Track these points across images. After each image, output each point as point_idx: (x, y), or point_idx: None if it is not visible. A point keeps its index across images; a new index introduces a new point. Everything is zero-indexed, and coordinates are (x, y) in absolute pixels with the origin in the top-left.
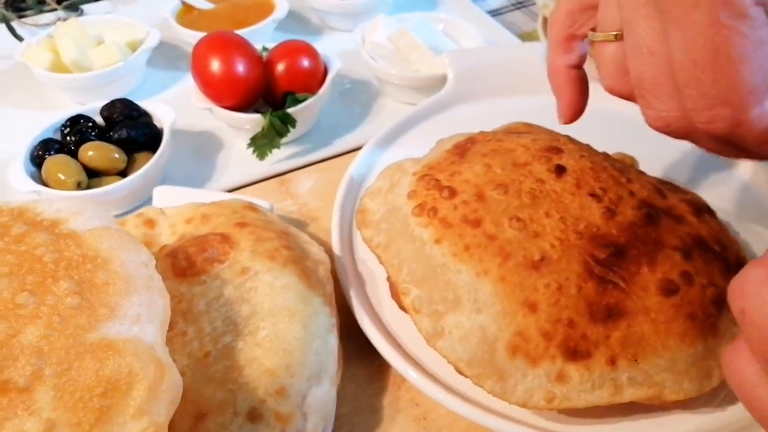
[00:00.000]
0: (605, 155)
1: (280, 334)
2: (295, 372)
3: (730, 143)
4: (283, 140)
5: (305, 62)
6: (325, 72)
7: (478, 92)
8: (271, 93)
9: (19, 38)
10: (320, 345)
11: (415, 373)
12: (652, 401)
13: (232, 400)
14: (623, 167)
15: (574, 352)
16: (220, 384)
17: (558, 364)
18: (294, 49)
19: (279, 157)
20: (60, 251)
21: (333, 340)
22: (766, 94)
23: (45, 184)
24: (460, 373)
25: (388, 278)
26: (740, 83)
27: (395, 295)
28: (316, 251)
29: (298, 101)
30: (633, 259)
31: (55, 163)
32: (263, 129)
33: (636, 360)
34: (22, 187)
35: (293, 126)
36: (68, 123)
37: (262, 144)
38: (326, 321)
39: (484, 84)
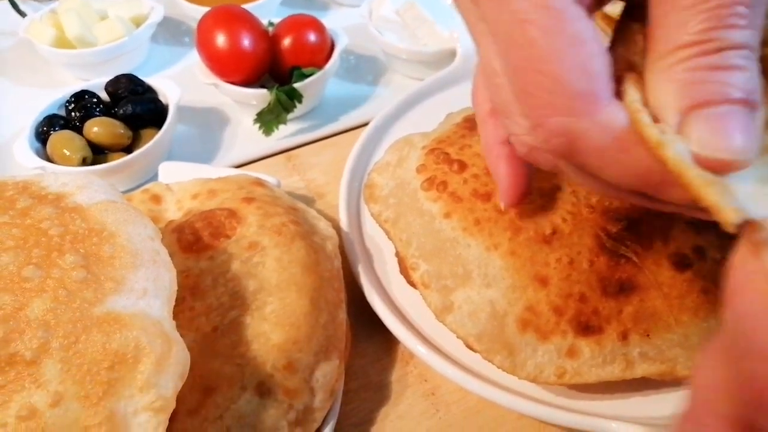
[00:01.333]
0: None
1: (288, 309)
2: (302, 347)
3: (588, 173)
4: (290, 116)
5: (312, 37)
6: (332, 47)
7: None
8: (278, 68)
9: (22, 14)
10: (328, 320)
11: (423, 348)
12: (664, 377)
13: (240, 374)
14: None
15: (586, 327)
16: (228, 359)
17: (569, 339)
18: (300, 24)
19: (285, 133)
20: (65, 225)
21: (341, 315)
22: (604, 101)
23: (50, 160)
24: (470, 348)
25: (397, 253)
26: (561, 85)
27: (404, 270)
28: (323, 227)
29: (305, 76)
30: (646, 233)
31: (60, 139)
32: (269, 104)
33: (648, 335)
34: (27, 163)
35: (300, 101)
36: (73, 99)
37: (268, 120)
38: (334, 296)
39: None
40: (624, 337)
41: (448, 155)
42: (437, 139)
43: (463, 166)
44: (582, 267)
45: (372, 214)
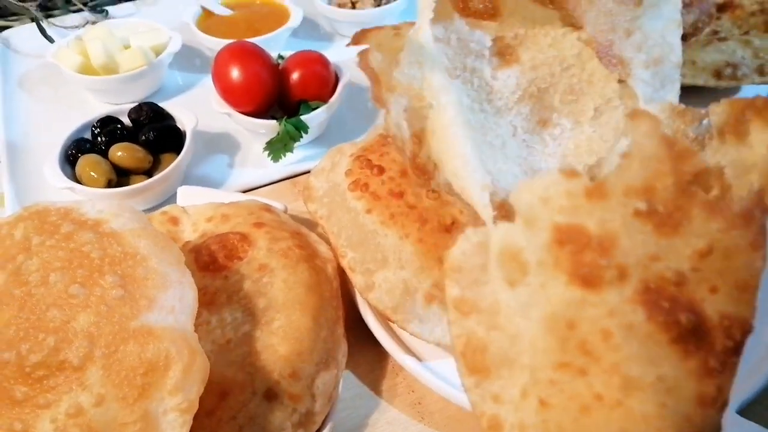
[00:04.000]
0: None
1: (293, 325)
2: (305, 358)
3: None
4: (296, 144)
5: (318, 72)
6: (336, 80)
7: None
8: (286, 100)
9: (50, 39)
10: (328, 334)
11: (411, 362)
12: None
13: (250, 381)
14: None
15: None
16: (240, 367)
17: None
18: (308, 60)
19: (292, 160)
20: (104, 249)
21: (339, 331)
22: None
23: (78, 181)
24: (388, 319)
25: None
26: None
27: (336, 257)
28: (324, 250)
29: (311, 109)
30: None
31: (88, 162)
32: (278, 134)
33: None
34: (57, 183)
35: (306, 132)
36: (98, 124)
37: (277, 148)
38: (333, 314)
39: None
40: None
41: (370, 161)
42: (362, 148)
43: (381, 170)
44: None
45: (309, 212)
